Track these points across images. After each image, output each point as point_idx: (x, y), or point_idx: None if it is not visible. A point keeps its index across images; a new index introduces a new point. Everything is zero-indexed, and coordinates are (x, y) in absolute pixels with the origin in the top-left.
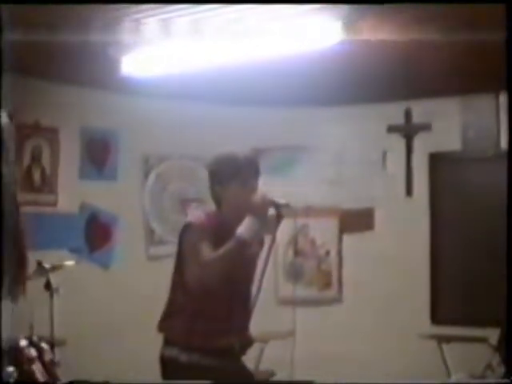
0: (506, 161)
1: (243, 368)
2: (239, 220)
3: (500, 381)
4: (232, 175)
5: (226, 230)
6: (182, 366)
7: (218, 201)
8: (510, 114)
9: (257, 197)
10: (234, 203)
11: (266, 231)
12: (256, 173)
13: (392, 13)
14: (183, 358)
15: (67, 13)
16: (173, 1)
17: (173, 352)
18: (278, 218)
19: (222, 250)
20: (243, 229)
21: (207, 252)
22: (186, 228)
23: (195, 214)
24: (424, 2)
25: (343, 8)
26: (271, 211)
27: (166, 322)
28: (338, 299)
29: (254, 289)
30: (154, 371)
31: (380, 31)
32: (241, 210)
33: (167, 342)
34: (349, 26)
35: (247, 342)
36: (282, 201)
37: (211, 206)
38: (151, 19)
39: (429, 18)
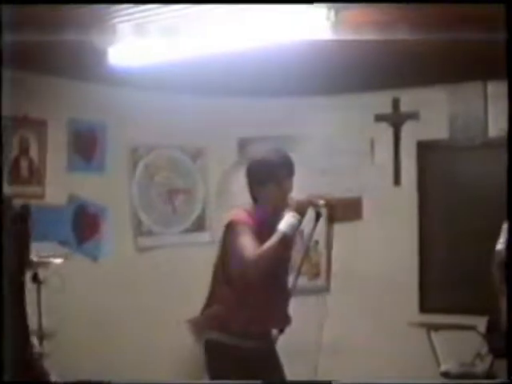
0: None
1: (275, 352)
2: (275, 217)
3: (500, 381)
4: (268, 176)
5: (264, 226)
6: (223, 347)
7: (255, 199)
8: (510, 110)
9: (298, 196)
10: (270, 201)
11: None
12: (290, 174)
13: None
14: (225, 340)
15: (55, 10)
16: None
17: (215, 336)
18: (317, 216)
19: (266, 246)
20: (284, 225)
21: (252, 248)
22: (230, 225)
23: (237, 212)
24: (424, 2)
25: None
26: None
27: (208, 311)
28: (326, 288)
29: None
30: (144, 361)
31: (367, 21)
32: (278, 207)
33: (210, 327)
34: (336, 15)
35: (287, 323)
36: (320, 201)
37: (249, 204)
38: (137, 10)
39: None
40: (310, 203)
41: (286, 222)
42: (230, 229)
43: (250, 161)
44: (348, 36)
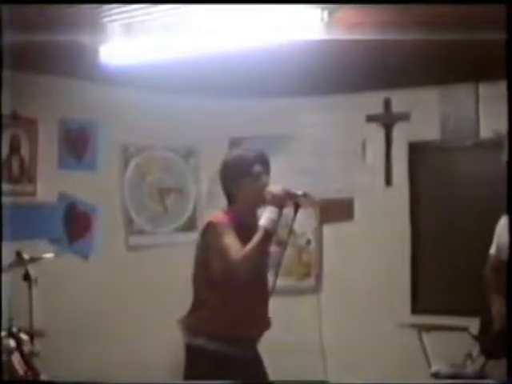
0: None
1: (257, 356)
2: (253, 214)
3: (491, 382)
4: (244, 172)
5: (243, 225)
6: (207, 354)
7: (231, 197)
8: (510, 110)
9: (275, 189)
10: (247, 199)
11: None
12: (266, 170)
13: (373, 6)
14: (209, 346)
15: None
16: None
17: (200, 341)
18: (296, 208)
19: (251, 245)
20: (265, 220)
21: (236, 248)
22: (209, 228)
23: (214, 214)
24: (424, 2)
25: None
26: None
27: (192, 316)
28: (317, 289)
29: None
30: (134, 360)
31: (360, 22)
32: (255, 204)
33: (194, 333)
34: (329, 15)
35: (267, 327)
36: (299, 192)
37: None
38: (129, 9)
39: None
40: (288, 195)
41: (266, 217)
42: (211, 231)
43: (225, 159)
44: (341, 36)
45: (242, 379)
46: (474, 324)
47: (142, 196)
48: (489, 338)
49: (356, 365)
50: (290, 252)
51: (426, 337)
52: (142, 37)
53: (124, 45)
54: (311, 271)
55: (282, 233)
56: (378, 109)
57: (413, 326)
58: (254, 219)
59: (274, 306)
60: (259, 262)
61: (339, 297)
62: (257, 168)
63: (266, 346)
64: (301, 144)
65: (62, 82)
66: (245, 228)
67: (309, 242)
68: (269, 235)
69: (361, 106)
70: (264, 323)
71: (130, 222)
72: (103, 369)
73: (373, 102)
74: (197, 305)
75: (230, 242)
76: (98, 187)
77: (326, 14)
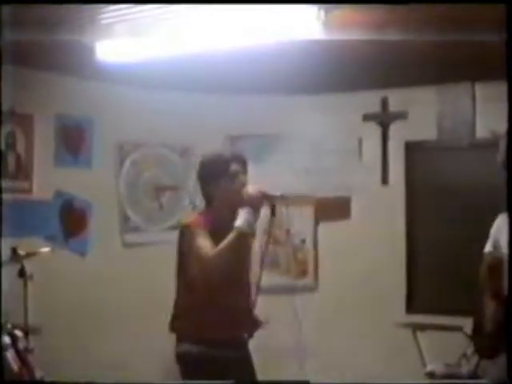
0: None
1: (248, 358)
2: (232, 214)
3: (485, 381)
4: (221, 171)
5: (221, 225)
6: (195, 359)
7: (209, 199)
8: (510, 110)
9: (251, 189)
10: (225, 199)
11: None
12: (243, 170)
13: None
14: (195, 351)
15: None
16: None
17: (186, 347)
18: (272, 211)
19: (223, 244)
20: (241, 221)
21: (207, 248)
22: (184, 230)
23: (189, 216)
24: (425, 2)
25: None
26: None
27: (176, 323)
28: (313, 287)
29: (254, 277)
30: (130, 357)
31: (357, 21)
32: (233, 204)
33: (180, 340)
34: (326, 15)
35: (255, 327)
36: (276, 193)
37: (201, 206)
38: (126, 7)
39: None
40: (265, 196)
41: (241, 218)
42: (184, 233)
43: (202, 159)
44: (338, 36)
45: (232, 380)
46: (468, 324)
47: (137, 193)
48: (482, 338)
49: (350, 364)
50: (286, 251)
51: (420, 336)
52: (139, 35)
53: (121, 42)
54: (307, 270)
55: (278, 234)
56: (375, 108)
57: (408, 325)
58: (232, 220)
59: (270, 304)
60: (233, 261)
61: (334, 295)
62: (234, 167)
63: (262, 345)
64: (297, 142)
65: (59, 79)
66: (222, 229)
67: (303, 241)
68: (243, 235)
69: (358, 105)
70: (250, 323)
71: (125, 219)
72: (98, 366)
73: (370, 100)
74: (178, 310)
75: (202, 241)
76: (93, 184)
77: (322, 13)
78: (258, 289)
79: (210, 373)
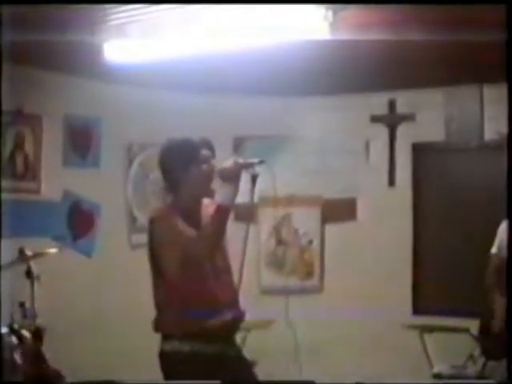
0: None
1: (242, 356)
2: (198, 203)
3: (491, 383)
4: (191, 159)
5: (186, 215)
6: (183, 356)
7: (174, 187)
8: (510, 110)
9: (226, 162)
10: (194, 186)
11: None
12: (213, 154)
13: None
14: (184, 347)
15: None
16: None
17: (172, 345)
18: (253, 179)
19: (210, 224)
20: (222, 197)
21: (188, 230)
22: (154, 223)
23: (156, 209)
24: (425, 2)
25: None
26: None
27: (158, 321)
28: (320, 288)
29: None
30: (136, 358)
31: (365, 22)
32: (202, 192)
33: (165, 338)
34: (334, 15)
35: (239, 317)
36: (254, 160)
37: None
38: (134, 8)
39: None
40: (242, 165)
41: (223, 193)
42: (156, 227)
43: (167, 145)
44: (345, 37)
45: (225, 377)
46: (475, 325)
47: (145, 194)
48: (489, 339)
49: (357, 365)
50: (292, 252)
51: (427, 338)
52: (148, 35)
53: (130, 43)
54: (314, 271)
55: (284, 233)
56: (383, 109)
57: (414, 326)
58: (199, 208)
59: (277, 305)
60: (220, 236)
61: (341, 296)
62: (204, 152)
63: (269, 346)
64: (305, 144)
65: (67, 80)
66: (189, 217)
67: (310, 241)
68: (225, 210)
69: (365, 107)
70: (234, 312)
71: (133, 220)
72: (104, 366)
73: (377, 102)
74: (159, 309)
75: (182, 227)
76: (101, 185)
77: (330, 14)
78: (240, 278)
79: (200, 370)
